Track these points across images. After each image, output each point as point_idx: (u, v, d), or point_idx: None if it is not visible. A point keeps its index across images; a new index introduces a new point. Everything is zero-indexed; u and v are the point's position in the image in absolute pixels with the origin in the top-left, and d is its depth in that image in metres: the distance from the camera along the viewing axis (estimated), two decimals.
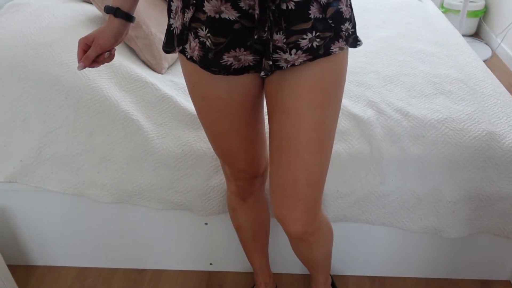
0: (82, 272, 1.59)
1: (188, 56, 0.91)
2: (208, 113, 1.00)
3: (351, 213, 1.35)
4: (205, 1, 0.81)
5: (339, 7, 0.85)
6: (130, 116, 1.34)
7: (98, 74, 1.38)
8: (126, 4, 0.96)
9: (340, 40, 0.87)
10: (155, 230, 1.50)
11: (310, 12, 0.82)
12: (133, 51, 1.56)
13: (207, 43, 0.86)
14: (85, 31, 1.47)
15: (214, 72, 0.91)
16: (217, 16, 0.82)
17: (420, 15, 2.10)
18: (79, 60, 0.95)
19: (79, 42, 0.96)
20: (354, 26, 0.91)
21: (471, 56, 1.72)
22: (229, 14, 0.81)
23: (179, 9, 0.88)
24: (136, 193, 1.37)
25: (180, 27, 0.89)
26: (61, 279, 1.57)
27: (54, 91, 1.34)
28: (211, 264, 1.58)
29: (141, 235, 1.52)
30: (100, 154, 1.35)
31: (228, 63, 0.88)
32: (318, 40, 0.85)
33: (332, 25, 0.85)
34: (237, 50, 0.86)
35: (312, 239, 1.03)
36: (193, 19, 0.85)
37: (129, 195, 1.37)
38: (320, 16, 0.83)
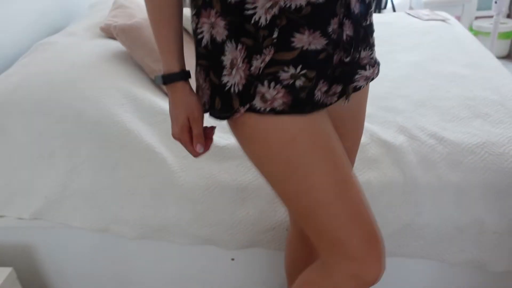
0: None
1: (267, 110, 0.76)
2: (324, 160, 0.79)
3: (386, 248, 1.26)
4: (298, 34, 0.72)
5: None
6: (153, 149, 1.31)
7: (122, 108, 1.37)
8: (183, 62, 0.84)
9: None
10: (180, 266, 1.45)
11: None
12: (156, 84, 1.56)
13: (298, 82, 0.75)
14: (109, 67, 1.48)
15: (309, 111, 0.79)
16: (309, 47, 0.74)
17: (449, 37, 2.03)
18: (194, 149, 0.84)
19: (177, 137, 0.84)
20: None
21: (507, 77, 1.63)
22: (317, 43, 0.74)
23: (238, 61, 0.75)
24: (161, 228, 1.32)
25: (243, 81, 0.76)
26: None
27: (78, 126, 1.33)
28: None
29: (165, 271, 1.47)
30: (124, 189, 1.32)
31: (318, 97, 0.79)
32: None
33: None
34: (321, 82, 0.78)
35: None
36: (271, 62, 0.74)
37: (154, 230, 1.33)
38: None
